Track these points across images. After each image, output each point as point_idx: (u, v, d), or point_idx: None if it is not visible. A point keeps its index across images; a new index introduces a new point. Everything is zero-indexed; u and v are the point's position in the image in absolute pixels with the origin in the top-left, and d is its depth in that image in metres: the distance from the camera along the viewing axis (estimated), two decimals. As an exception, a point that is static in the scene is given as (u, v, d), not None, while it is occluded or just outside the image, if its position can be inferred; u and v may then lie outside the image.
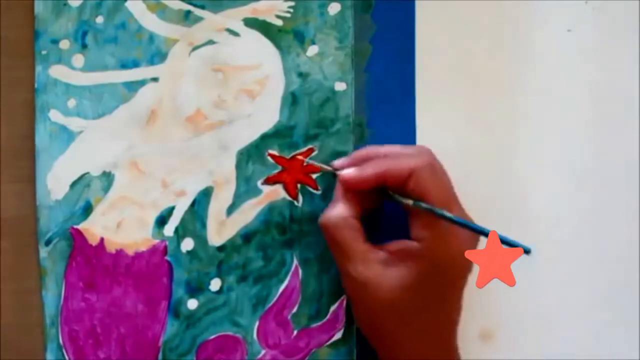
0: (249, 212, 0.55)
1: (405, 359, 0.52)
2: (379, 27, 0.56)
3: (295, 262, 0.55)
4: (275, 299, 0.55)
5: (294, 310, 0.55)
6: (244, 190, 0.55)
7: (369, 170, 0.51)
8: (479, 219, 0.55)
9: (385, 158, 0.52)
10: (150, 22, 0.54)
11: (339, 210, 0.51)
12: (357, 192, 0.52)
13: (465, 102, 0.57)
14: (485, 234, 0.48)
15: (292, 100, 0.55)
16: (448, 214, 0.50)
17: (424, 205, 0.50)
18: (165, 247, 0.55)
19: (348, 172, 0.52)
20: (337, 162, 0.54)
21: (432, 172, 0.51)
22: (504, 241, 0.47)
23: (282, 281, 0.55)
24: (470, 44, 0.57)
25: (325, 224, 0.52)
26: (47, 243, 0.54)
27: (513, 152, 0.58)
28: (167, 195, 0.55)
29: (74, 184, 0.54)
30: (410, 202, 0.51)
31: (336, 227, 0.51)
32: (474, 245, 0.51)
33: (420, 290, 0.50)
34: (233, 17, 0.55)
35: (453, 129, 0.57)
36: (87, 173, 0.54)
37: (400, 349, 0.52)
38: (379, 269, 0.50)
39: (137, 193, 0.54)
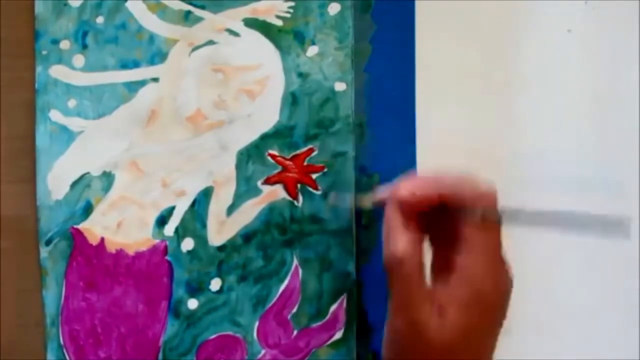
0: (249, 212, 0.55)
1: None
2: (379, 27, 0.56)
3: (295, 262, 0.55)
4: (275, 298, 0.55)
5: (294, 310, 0.55)
6: (244, 190, 0.55)
7: (430, 187, 0.46)
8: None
9: (443, 177, 0.47)
10: (151, 22, 0.54)
11: (409, 245, 0.46)
12: (415, 217, 0.47)
13: (465, 101, 0.57)
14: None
15: (292, 100, 0.55)
16: (546, 210, 0.44)
17: (511, 210, 0.46)
18: (166, 247, 0.55)
19: (405, 188, 0.46)
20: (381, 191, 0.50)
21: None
22: (599, 221, 0.43)
23: (282, 281, 0.55)
24: (470, 44, 0.57)
25: (394, 260, 0.46)
26: (48, 243, 0.54)
27: (513, 151, 0.58)
28: (167, 195, 0.55)
29: (74, 184, 0.54)
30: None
31: (408, 264, 0.46)
32: (511, 290, 0.47)
33: (467, 339, 0.46)
34: (233, 17, 0.55)
35: (453, 129, 0.57)
36: (88, 173, 0.54)
37: None
38: (435, 318, 0.46)
39: (137, 193, 0.55)
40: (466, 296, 0.46)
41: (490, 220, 0.46)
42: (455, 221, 0.46)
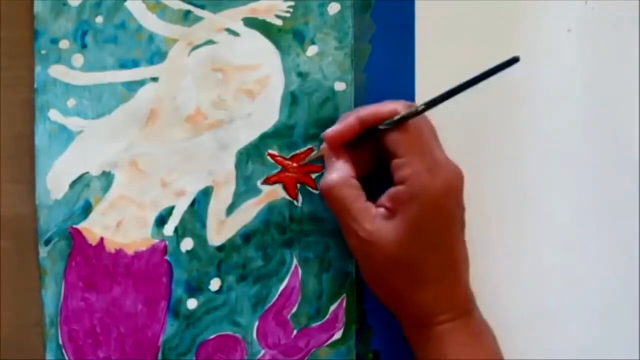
0: (249, 212, 0.55)
1: (419, 309, 0.51)
2: (379, 27, 0.56)
3: (295, 262, 0.55)
4: (275, 299, 0.55)
5: (294, 310, 0.55)
6: (244, 190, 0.55)
7: (351, 117, 0.52)
8: (479, 216, 0.55)
9: (365, 107, 0.53)
10: (150, 22, 0.54)
11: (337, 173, 0.52)
12: (348, 154, 0.52)
13: (464, 101, 0.57)
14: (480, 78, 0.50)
15: (292, 100, 0.55)
16: (434, 97, 0.50)
17: (397, 117, 0.50)
18: (165, 247, 0.55)
19: (331, 129, 0.52)
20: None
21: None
22: (494, 70, 0.49)
23: (282, 281, 0.55)
24: (470, 44, 0.57)
25: (326, 188, 0.52)
26: (47, 243, 0.54)
27: (513, 152, 0.58)
28: (167, 195, 0.55)
29: (73, 184, 0.54)
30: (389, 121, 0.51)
31: (337, 187, 0.51)
32: (459, 181, 0.51)
33: (419, 235, 0.50)
34: (233, 17, 0.55)
35: (453, 129, 0.57)
36: (87, 173, 0.54)
37: (413, 299, 0.51)
38: (382, 224, 0.50)
39: (137, 193, 0.54)
40: (407, 194, 0.50)
41: (409, 116, 0.51)
42: (383, 139, 0.51)
